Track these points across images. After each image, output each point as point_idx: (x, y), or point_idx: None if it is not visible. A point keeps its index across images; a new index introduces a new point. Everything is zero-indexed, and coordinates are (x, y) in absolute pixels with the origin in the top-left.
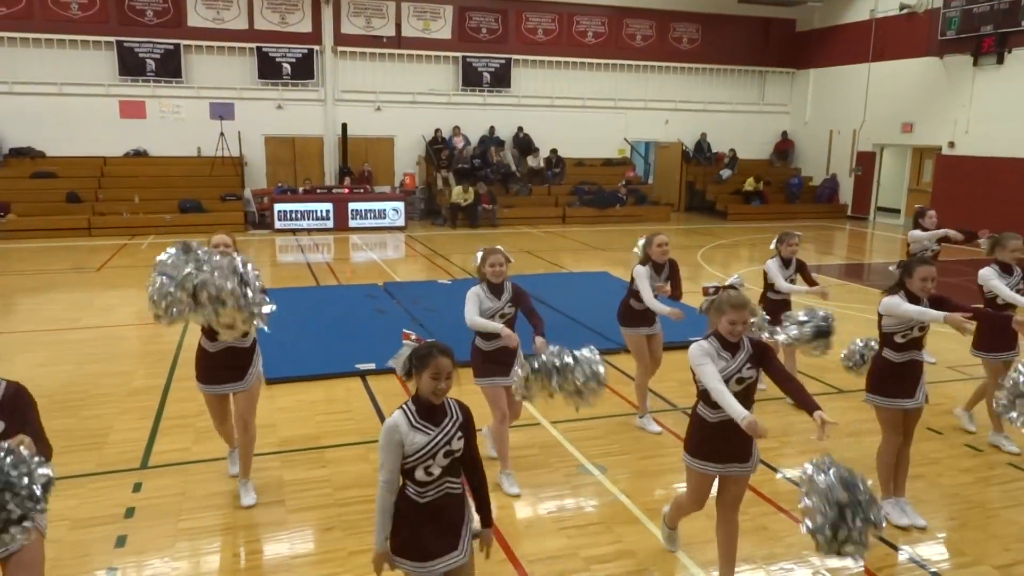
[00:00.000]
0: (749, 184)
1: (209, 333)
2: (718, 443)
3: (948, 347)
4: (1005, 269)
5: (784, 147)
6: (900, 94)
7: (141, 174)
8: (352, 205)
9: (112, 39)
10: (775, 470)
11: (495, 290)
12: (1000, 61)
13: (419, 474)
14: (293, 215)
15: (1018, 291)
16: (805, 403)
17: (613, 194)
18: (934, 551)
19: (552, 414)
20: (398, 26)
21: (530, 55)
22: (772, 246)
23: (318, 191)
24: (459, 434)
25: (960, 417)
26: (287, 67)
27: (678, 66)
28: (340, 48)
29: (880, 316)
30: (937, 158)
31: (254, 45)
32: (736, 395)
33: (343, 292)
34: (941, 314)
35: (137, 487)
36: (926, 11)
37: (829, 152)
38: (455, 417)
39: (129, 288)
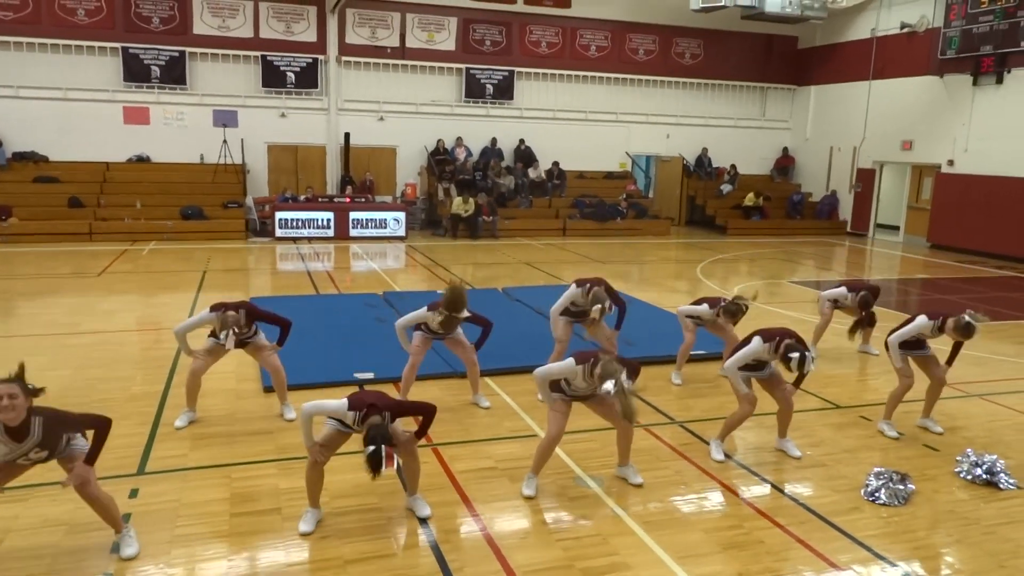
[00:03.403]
0: (749, 199)
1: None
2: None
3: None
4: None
5: (785, 163)
6: (900, 112)
7: (143, 180)
8: (353, 214)
9: (117, 45)
10: (778, 489)
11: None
12: (999, 81)
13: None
14: (294, 223)
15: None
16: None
17: (614, 207)
18: (930, 567)
19: None
20: (402, 37)
21: (533, 68)
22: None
23: (320, 200)
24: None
25: (927, 425)
26: (291, 76)
27: (680, 81)
28: (344, 58)
29: None
30: (936, 176)
31: (259, 53)
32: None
33: (343, 301)
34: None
35: (134, 493)
36: (926, 31)
37: (829, 168)
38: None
39: (130, 294)
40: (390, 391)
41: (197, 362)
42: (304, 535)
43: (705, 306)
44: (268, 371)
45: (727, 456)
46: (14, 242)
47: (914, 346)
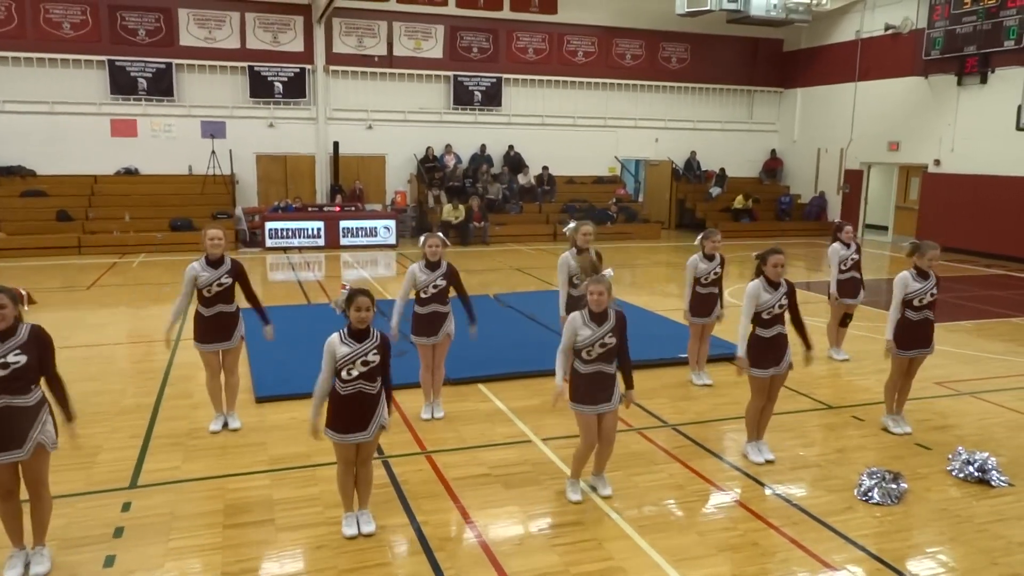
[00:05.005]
0: (739, 202)
1: (204, 301)
2: (590, 391)
3: (936, 363)
4: (921, 275)
5: (773, 165)
6: (886, 113)
7: (132, 192)
8: (343, 223)
9: (104, 58)
10: (772, 490)
11: (431, 266)
12: (983, 81)
13: (343, 374)
14: (284, 233)
15: (932, 296)
16: (626, 377)
17: (603, 212)
18: (923, 565)
19: (543, 431)
20: (390, 45)
21: (521, 74)
22: (696, 242)
23: (309, 209)
24: (375, 351)
25: (887, 424)
26: (279, 86)
27: (668, 85)
28: (332, 67)
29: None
30: (923, 176)
31: (246, 64)
32: (600, 356)
33: (334, 310)
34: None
35: (126, 506)
36: (911, 32)
37: (817, 170)
38: (375, 340)
39: (120, 306)
40: None
41: (209, 369)
42: (350, 538)
43: None
44: (225, 377)
45: (767, 460)
46: (2, 256)
47: (910, 341)
